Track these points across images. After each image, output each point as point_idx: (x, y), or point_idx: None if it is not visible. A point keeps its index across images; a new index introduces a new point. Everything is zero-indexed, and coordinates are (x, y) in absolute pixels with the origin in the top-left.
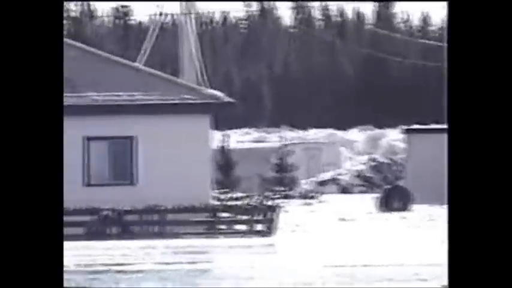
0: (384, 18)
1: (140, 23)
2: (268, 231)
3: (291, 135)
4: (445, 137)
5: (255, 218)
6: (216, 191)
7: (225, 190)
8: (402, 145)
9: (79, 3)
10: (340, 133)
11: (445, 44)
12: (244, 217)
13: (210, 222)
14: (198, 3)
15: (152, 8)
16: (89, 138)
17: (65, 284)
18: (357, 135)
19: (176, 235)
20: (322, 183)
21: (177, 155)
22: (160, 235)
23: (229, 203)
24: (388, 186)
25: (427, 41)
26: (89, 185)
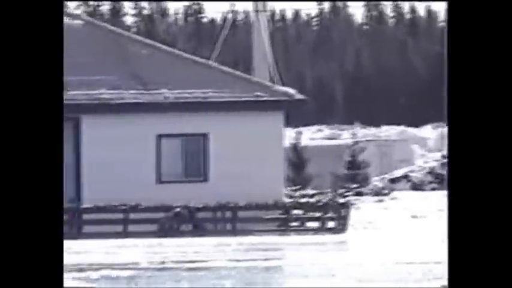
0: None
1: (212, 20)
2: (340, 228)
3: (363, 132)
4: None
5: (327, 215)
6: (288, 188)
7: (297, 187)
8: None
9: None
10: (412, 130)
11: None
12: (316, 214)
13: (282, 219)
14: (270, 2)
15: (224, 6)
16: (161, 136)
17: (138, 281)
18: (429, 132)
19: (248, 232)
20: (394, 180)
21: (250, 152)
22: (233, 232)
23: (301, 200)
24: None
25: None
26: (161, 182)
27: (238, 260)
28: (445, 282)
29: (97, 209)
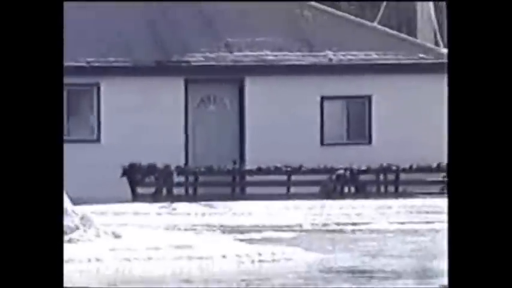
0: None
1: None
2: None
3: None
4: None
5: None
6: None
7: None
8: None
9: None
10: None
11: None
12: None
13: (444, 182)
14: None
15: None
16: (325, 98)
17: (300, 242)
18: None
19: (411, 195)
20: None
21: (413, 115)
22: (395, 195)
23: None
24: None
25: None
26: (324, 144)
27: (401, 223)
28: None
29: (260, 171)
